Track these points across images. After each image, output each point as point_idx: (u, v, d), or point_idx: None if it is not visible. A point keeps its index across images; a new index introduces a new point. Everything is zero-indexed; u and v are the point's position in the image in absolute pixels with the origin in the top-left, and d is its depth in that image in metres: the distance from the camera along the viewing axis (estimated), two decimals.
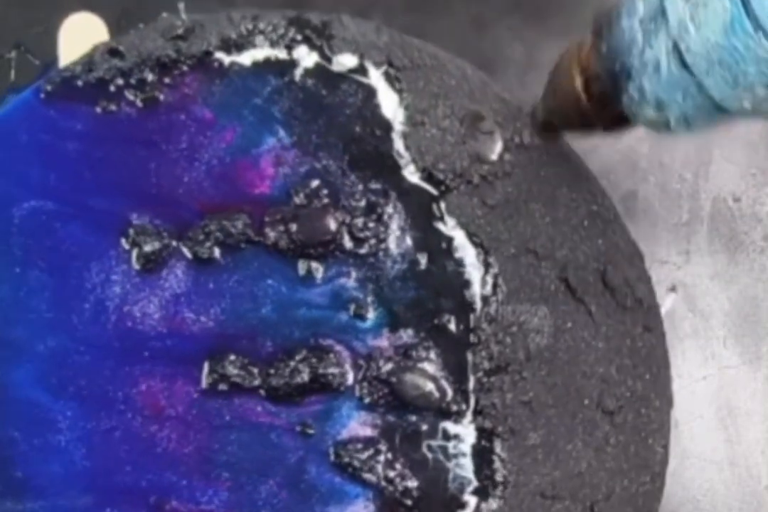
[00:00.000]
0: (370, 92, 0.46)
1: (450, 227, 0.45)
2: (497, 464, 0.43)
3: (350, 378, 0.44)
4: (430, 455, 0.43)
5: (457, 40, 0.50)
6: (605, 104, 0.37)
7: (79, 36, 0.49)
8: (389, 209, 0.45)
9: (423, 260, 0.45)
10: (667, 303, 0.48)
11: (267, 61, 0.46)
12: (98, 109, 0.46)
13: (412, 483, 0.43)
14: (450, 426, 0.43)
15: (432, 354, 0.44)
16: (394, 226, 0.45)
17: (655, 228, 0.49)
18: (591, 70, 0.37)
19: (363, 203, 0.45)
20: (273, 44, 0.46)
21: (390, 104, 0.45)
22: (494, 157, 0.45)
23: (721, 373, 0.47)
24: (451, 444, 0.43)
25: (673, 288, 0.48)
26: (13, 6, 0.50)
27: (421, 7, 0.50)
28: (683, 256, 0.48)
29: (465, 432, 0.43)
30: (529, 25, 0.51)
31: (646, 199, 0.49)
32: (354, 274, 0.45)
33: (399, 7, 0.50)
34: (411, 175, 0.45)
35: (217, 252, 0.45)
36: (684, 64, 0.33)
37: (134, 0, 0.50)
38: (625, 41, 0.35)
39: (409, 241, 0.45)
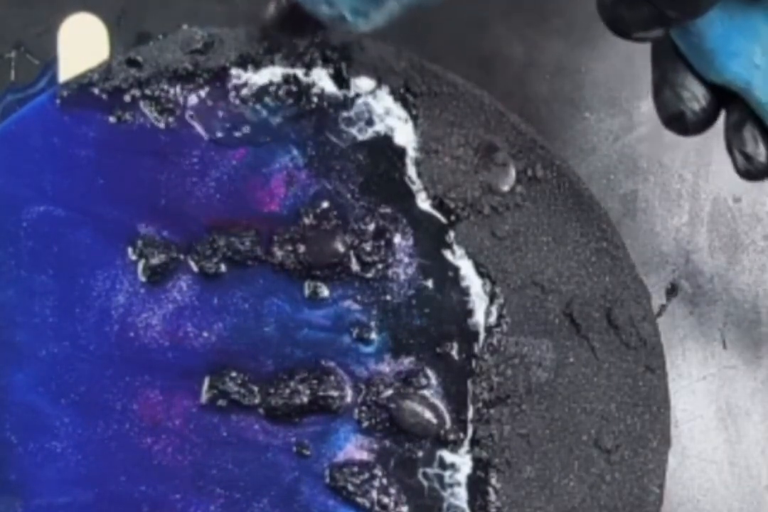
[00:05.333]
0: (386, 116, 0.46)
1: (458, 256, 0.45)
2: (492, 495, 0.43)
3: (349, 402, 0.44)
4: (425, 483, 0.43)
5: (457, 39, 0.49)
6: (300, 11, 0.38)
7: (79, 36, 0.48)
8: (398, 234, 0.45)
9: (429, 287, 0.45)
10: (667, 303, 0.48)
11: (285, 80, 0.46)
12: (112, 118, 0.46)
13: (406, 510, 0.43)
14: (447, 455, 0.43)
15: (432, 383, 0.44)
16: (402, 251, 0.45)
17: (655, 228, 0.49)
18: None
19: (372, 227, 0.45)
20: (292, 63, 0.46)
21: (405, 130, 0.45)
22: (506, 188, 0.45)
23: (721, 373, 0.47)
24: (447, 473, 0.43)
25: (673, 288, 0.48)
26: (13, 6, 0.49)
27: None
28: (683, 256, 0.48)
29: (461, 461, 0.43)
30: (529, 25, 0.51)
31: (646, 199, 0.49)
32: (359, 298, 0.45)
33: None
34: (422, 202, 0.45)
35: (223, 267, 0.45)
36: None
37: (134, 0, 0.49)
38: None
39: (416, 268, 0.45)
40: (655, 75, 0.36)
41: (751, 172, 0.35)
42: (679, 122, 0.36)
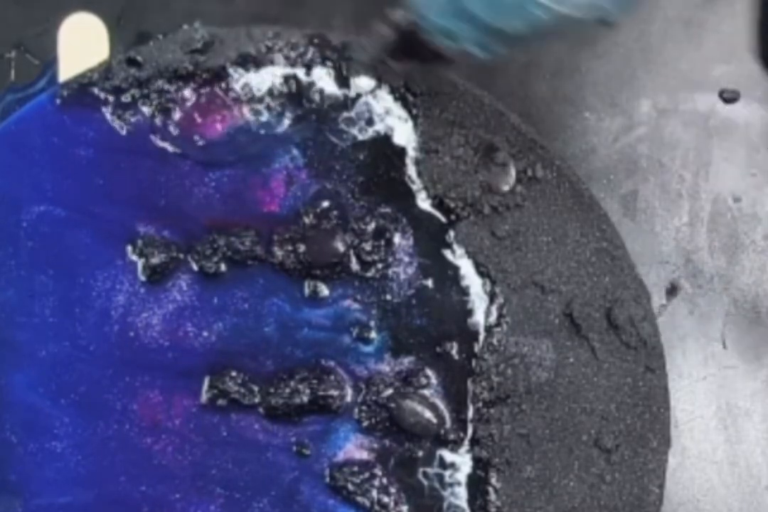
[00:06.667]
0: (386, 116, 0.46)
1: (458, 256, 0.45)
2: (492, 495, 0.43)
3: (349, 401, 0.44)
4: (425, 482, 0.43)
5: None
6: (418, 40, 0.38)
7: (79, 36, 0.48)
8: (398, 234, 0.45)
9: (429, 287, 0.45)
10: (667, 303, 0.48)
11: (285, 79, 0.46)
12: (111, 118, 0.46)
13: (406, 510, 0.43)
14: (447, 455, 0.43)
15: (432, 382, 0.44)
16: (402, 251, 0.45)
17: (655, 228, 0.49)
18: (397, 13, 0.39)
19: (372, 227, 0.45)
20: (292, 63, 0.46)
21: (405, 130, 0.45)
22: (506, 188, 0.45)
23: (721, 373, 0.47)
24: (447, 473, 0.43)
25: (673, 288, 0.48)
26: (13, 6, 0.50)
27: None
28: (683, 256, 0.48)
29: (461, 461, 0.43)
30: None
31: (646, 199, 0.49)
32: (359, 297, 0.45)
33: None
34: (422, 201, 0.45)
35: (223, 267, 0.45)
36: None
37: (134, 0, 0.49)
38: None
39: (416, 267, 0.45)
40: None
41: None
42: None
